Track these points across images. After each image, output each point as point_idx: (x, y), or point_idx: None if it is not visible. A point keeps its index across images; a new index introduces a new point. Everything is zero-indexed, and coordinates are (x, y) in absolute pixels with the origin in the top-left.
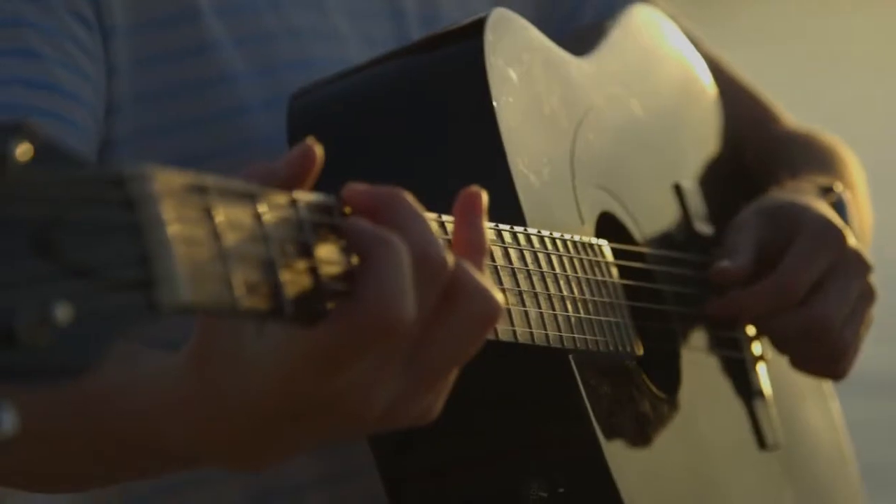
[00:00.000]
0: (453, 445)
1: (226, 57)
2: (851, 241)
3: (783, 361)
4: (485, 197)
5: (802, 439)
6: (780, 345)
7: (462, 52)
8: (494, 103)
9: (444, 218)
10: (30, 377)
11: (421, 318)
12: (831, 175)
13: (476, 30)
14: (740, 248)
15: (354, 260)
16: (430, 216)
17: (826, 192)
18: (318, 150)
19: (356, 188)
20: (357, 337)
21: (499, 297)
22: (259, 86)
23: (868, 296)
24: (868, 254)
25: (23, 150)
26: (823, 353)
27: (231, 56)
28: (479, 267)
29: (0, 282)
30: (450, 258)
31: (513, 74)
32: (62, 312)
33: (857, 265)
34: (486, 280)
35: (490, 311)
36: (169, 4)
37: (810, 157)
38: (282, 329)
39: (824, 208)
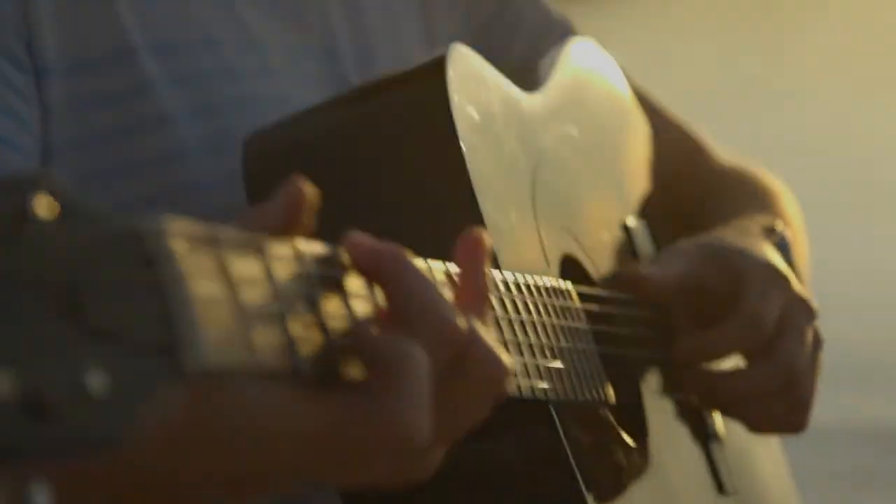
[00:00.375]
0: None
1: (163, 98)
2: (798, 286)
3: None
4: (487, 240)
5: (754, 483)
6: (740, 406)
7: (426, 91)
8: (462, 144)
9: (451, 269)
10: (65, 452)
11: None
12: (770, 212)
13: (438, 69)
14: (668, 266)
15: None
16: (437, 267)
17: (769, 232)
18: (309, 188)
19: (359, 241)
20: (365, 434)
21: (507, 360)
22: (199, 127)
23: (818, 342)
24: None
25: (44, 206)
26: (785, 407)
27: (168, 96)
28: (484, 318)
29: (26, 350)
30: (462, 324)
31: (474, 113)
32: (96, 381)
33: (806, 311)
34: (493, 341)
35: (500, 376)
36: (103, 45)
37: (748, 193)
38: (291, 392)
39: (770, 252)
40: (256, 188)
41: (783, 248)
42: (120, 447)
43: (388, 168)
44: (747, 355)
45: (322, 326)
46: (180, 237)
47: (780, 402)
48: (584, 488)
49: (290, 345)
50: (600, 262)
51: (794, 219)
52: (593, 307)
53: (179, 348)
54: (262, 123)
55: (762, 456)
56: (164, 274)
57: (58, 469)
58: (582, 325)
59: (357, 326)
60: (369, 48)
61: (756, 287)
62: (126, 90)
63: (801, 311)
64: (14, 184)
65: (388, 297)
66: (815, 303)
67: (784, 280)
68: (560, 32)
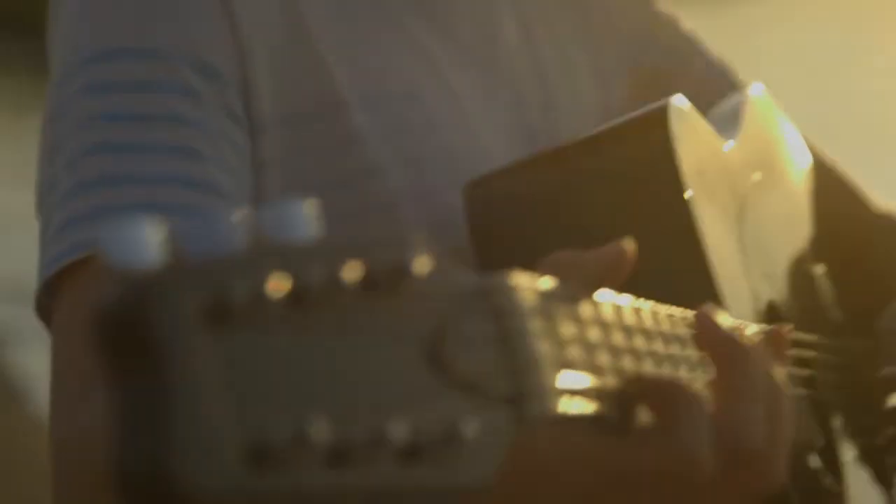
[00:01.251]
0: None
1: (371, 150)
2: None
3: None
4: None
5: None
6: None
7: (650, 144)
8: (687, 197)
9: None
10: (434, 497)
11: None
12: None
13: (661, 120)
14: None
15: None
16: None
17: None
18: (633, 253)
19: (709, 323)
20: (659, 466)
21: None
22: (405, 178)
23: None
24: None
25: (422, 264)
26: None
27: (376, 148)
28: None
29: (406, 396)
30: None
31: (693, 164)
32: (469, 428)
33: None
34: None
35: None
36: (314, 98)
37: None
38: (604, 437)
39: None
40: (480, 232)
41: None
42: (485, 490)
43: (612, 219)
44: None
45: (621, 374)
46: (524, 291)
47: None
48: None
49: (600, 390)
50: (795, 307)
51: None
52: (799, 353)
53: (525, 398)
54: (463, 174)
55: None
56: (511, 327)
57: None
58: (793, 369)
59: (643, 374)
60: (552, 96)
61: None
62: (337, 142)
63: None
64: (399, 240)
65: (722, 373)
66: None
67: None
68: (726, 80)
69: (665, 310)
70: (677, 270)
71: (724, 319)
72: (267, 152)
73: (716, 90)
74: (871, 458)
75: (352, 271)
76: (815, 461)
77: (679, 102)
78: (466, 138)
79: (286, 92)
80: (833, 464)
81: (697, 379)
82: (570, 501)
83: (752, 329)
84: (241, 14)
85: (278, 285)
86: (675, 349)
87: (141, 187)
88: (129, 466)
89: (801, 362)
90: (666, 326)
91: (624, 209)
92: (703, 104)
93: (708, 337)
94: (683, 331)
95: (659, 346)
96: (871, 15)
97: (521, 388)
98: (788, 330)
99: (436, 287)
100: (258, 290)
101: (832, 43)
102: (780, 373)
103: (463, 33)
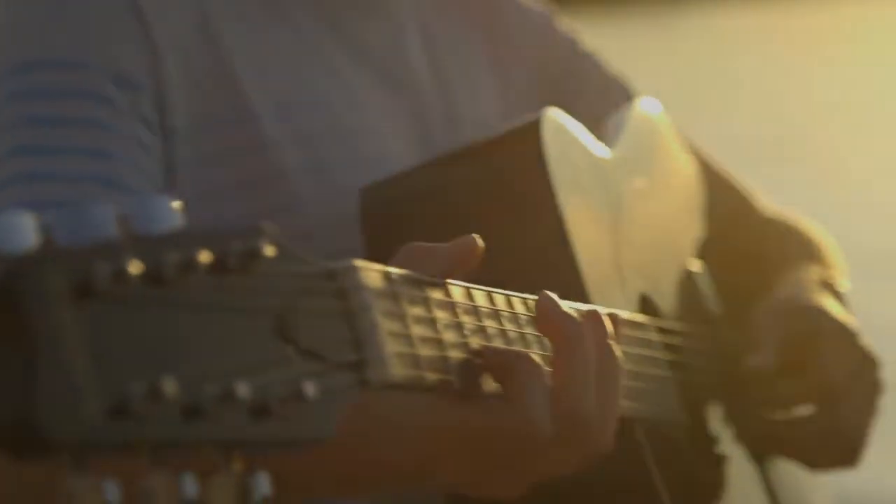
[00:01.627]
0: None
1: (280, 155)
2: (864, 339)
3: None
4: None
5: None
6: (797, 451)
7: (523, 152)
8: (559, 200)
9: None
10: (287, 445)
11: None
12: (821, 262)
13: (534, 130)
14: (764, 346)
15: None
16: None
17: (827, 285)
18: (481, 247)
19: (550, 304)
20: (500, 429)
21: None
22: (312, 182)
23: (880, 389)
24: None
25: (270, 248)
26: (842, 450)
27: (285, 154)
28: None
29: (255, 361)
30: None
31: (566, 169)
32: (312, 390)
33: (872, 363)
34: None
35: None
36: (225, 105)
37: (798, 242)
38: (446, 401)
39: (837, 307)
40: (372, 233)
41: (841, 300)
42: (324, 444)
43: (489, 221)
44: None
45: (467, 349)
46: (365, 273)
47: (837, 447)
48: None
49: (444, 363)
50: (669, 299)
51: (838, 267)
52: (667, 339)
53: (366, 365)
54: (367, 179)
55: (810, 478)
56: (354, 303)
57: (275, 462)
58: (659, 353)
59: (488, 348)
60: (455, 111)
61: (831, 342)
62: (246, 148)
63: (868, 364)
64: (249, 229)
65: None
66: (876, 353)
67: (854, 335)
68: (621, 91)
69: (519, 297)
70: (547, 266)
71: (563, 303)
72: (179, 156)
73: (612, 103)
74: (745, 438)
75: (205, 256)
76: (684, 440)
77: (554, 114)
78: (371, 146)
79: (198, 100)
80: (702, 442)
81: (541, 357)
82: (414, 458)
83: (624, 315)
84: (156, 27)
85: (137, 267)
86: (527, 330)
87: (55, 185)
88: (3, 419)
89: (670, 348)
90: (519, 310)
91: (501, 214)
92: (602, 116)
93: (547, 317)
94: (531, 314)
95: (510, 328)
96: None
97: (362, 356)
98: (627, 316)
99: (284, 269)
100: (119, 272)
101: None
102: (614, 350)
103: (371, 49)
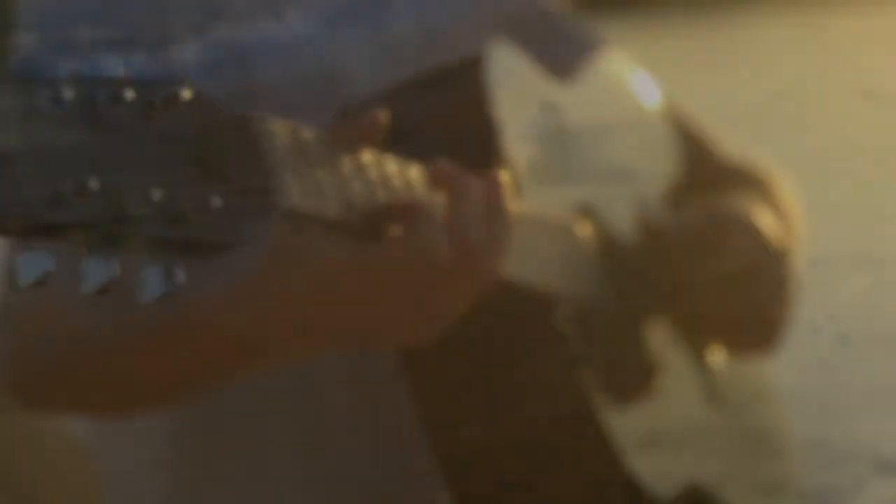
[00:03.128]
0: None
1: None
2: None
3: None
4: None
5: None
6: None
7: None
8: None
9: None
10: (197, 249)
11: None
12: (765, 197)
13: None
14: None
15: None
16: None
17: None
18: (385, 119)
19: (443, 164)
20: (404, 260)
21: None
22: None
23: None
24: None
25: (186, 93)
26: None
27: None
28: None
29: (173, 180)
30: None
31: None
32: (215, 202)
33: (777, 256)
34: None
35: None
36: None
37: (749, 182)
38: (341, 238)
39: (760, 217)
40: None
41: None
42: (231, 250)
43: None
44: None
45: (369, 196)
46: (275, 124)
47: (753, 332)
48: None
49: (348, 203)
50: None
51: (790, 208)
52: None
53: (273, 191)
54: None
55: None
56: (266, 144)
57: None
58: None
59: (389, 193)
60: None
61: (738, 235)
62: None
63: (773, 257)
64: (168, 78)
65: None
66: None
67: (759, 231)
68: (587, 42)
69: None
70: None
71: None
72: None
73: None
74: (673, 322)
75: (130, 93)
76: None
77: (500, 46)
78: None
79: None
80: (630, 325)
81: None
82: (324, 298)
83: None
84: None
85: (70, 94)
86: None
87: None
88: None
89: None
90: (419, 174)
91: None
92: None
93: (440, 170)
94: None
95: (417, 186)
96: None
97: (268, 184)
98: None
99: (201, 109)
100: (58, 99)
101: None
102: (502, 196)
103: None
